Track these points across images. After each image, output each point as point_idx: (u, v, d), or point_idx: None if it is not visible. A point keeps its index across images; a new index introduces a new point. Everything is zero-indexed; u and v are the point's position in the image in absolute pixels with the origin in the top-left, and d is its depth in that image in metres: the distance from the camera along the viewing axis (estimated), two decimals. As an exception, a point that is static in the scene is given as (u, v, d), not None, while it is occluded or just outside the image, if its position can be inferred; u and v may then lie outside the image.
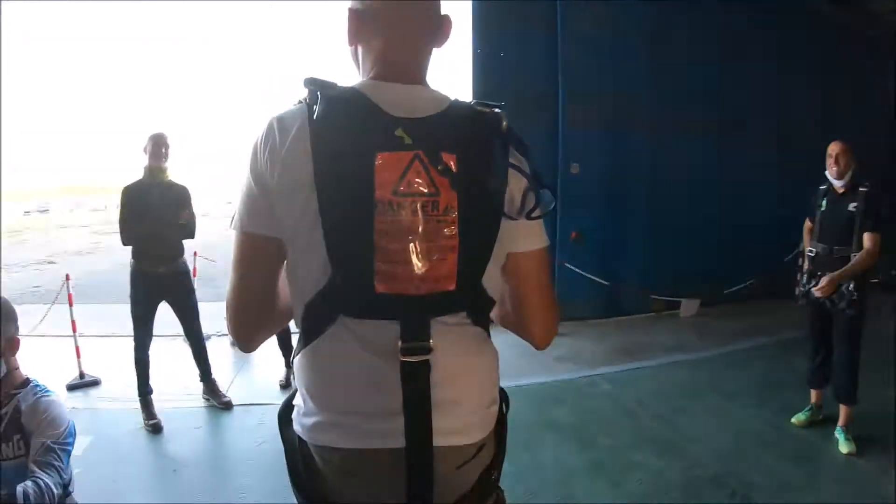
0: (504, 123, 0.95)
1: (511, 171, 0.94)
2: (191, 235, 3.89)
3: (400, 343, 0.89)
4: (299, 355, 0.96)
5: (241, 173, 0.93)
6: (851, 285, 3.31)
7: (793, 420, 3.80)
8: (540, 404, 4.09)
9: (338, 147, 0.85)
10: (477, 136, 0.92)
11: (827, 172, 3.48)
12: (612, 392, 4.37)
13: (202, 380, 4.15)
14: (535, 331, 1.08)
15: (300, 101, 0.91)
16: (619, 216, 6.40)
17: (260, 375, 4.74)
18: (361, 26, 0.97)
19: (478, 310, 0.98)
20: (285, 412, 1.03)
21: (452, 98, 0.97)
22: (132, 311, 3.79)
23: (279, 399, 4.12)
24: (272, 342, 5.19)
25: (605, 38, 6.08)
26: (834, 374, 3.56)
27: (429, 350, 0.90)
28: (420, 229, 0.87)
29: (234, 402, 4.09)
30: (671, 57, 6.39)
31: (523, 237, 0.99)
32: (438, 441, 0.91)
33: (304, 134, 0.86)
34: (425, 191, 0.87)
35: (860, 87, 8.20)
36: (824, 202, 3.53)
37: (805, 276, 3.65)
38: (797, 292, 3.71)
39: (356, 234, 0.86)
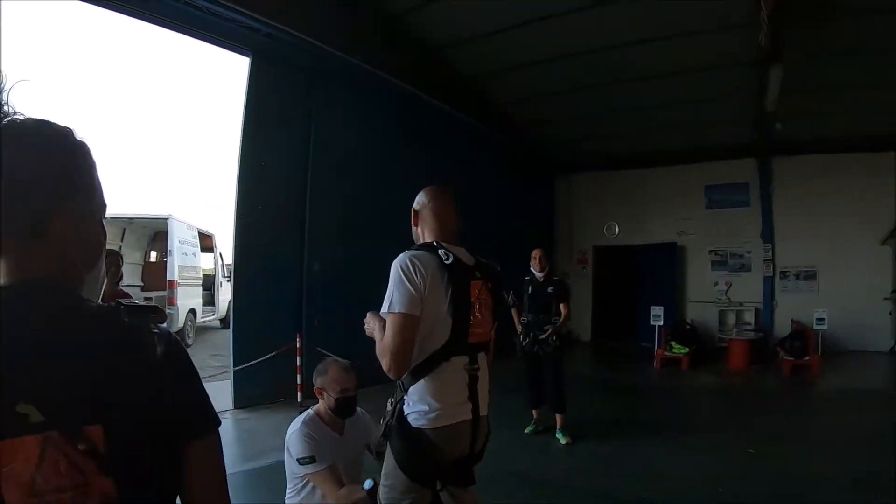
0: (499, 269, 2.14)
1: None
2: None
3: (467, 366, 1.96)
4: (421, 382, 1.89)
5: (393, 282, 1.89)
6: (555, 337, 5.32)
7: (525, 431, 5.52)
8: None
9: (458, 278, 1.92)
10: (496, 274, 2.12)
11: (532, 268, 5.55)
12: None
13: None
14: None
15: (422, 249, 1.98)
16: (352, 303, 7.28)
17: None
18: (421, 218, 2.12)
19: (489, 349, 2.11)
20: (401, 422, 1.92)
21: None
22: None
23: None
24: None
25: (345, 159, 7.44)
26: (547, 395, 5.43)
27: (478, 369, 2.00)
28: (483, 314, 2.00)
29: None
30: (391, 178, 7.93)
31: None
32: (480, 413, 2.00)
33: (439, 269, 1.90)
34: (485, 298, 2.01)
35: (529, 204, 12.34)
36: (530, 287, 5.57)
37: (521, 336, 5.55)
38: (518, 347, 5.57)
39: (465, 317, 1.93)
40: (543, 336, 5.36)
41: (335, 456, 2.33)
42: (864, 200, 11.03)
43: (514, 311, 5.71)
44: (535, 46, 8.20)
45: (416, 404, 1.91)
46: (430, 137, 9.16)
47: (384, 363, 1.84)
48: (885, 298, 10.68)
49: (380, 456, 2.00)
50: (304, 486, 2.36)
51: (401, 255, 1.93)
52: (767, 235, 11.57)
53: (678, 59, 8.40)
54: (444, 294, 1.89)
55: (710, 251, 12.12)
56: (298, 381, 6.50)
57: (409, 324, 1.83)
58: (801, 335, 9.21)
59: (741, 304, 11.62)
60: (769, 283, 11.58)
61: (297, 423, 2.41)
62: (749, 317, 11.47)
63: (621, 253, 13.07)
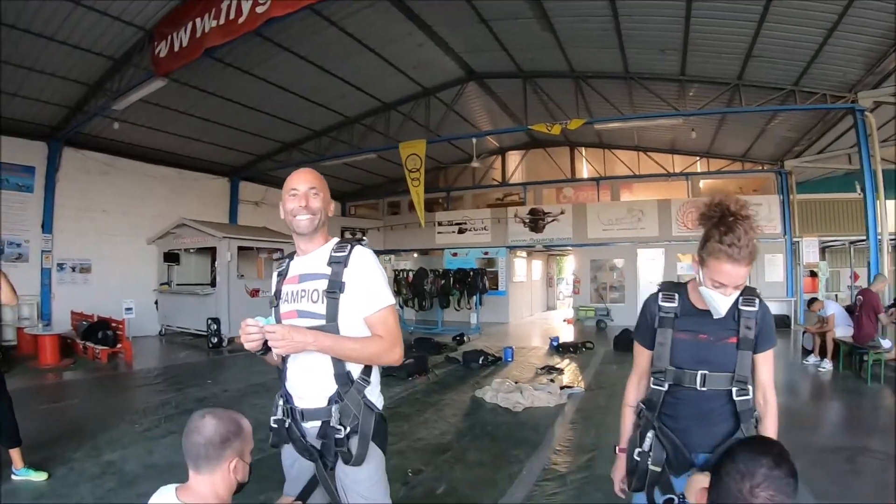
0: None
1: None
2: None
3: None
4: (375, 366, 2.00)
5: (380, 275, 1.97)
6: None
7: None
8: None
9: None
10: None
11: None
12: None
13: None
14: None
15: (362, 242, 2.01)
16: None
17: None
18: (329, 203, 2.05)
19: None
20: (374, 409, 1.95)
21: None
22: None
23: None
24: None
25: None
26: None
27: None
28: None
29: None
30: None
31: None
32: None
33: None
34: None
35: None
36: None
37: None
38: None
39: None
40: None
41: None
42: (134, 202, 12.61)
43: None
44: None
45: (374, 387, 1.99)
46: None
47: (396, 353, 1.92)
48: (154, 290, 12.56)
49: (357, 460, 1.89)
50: None
51: (369, 251, 1.99)
52: (48, 226, 11.13)
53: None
54: None
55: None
56: None
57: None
58: (107, 325, 9.71)
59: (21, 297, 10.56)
60: (48, 274, 11.14)
61: None
62: (29, 310, 10.63)
63: None
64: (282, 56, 10.05)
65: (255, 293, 12.33)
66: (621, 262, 16.78)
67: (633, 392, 2.17)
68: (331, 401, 1.91)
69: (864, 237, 10.82)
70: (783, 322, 14.35)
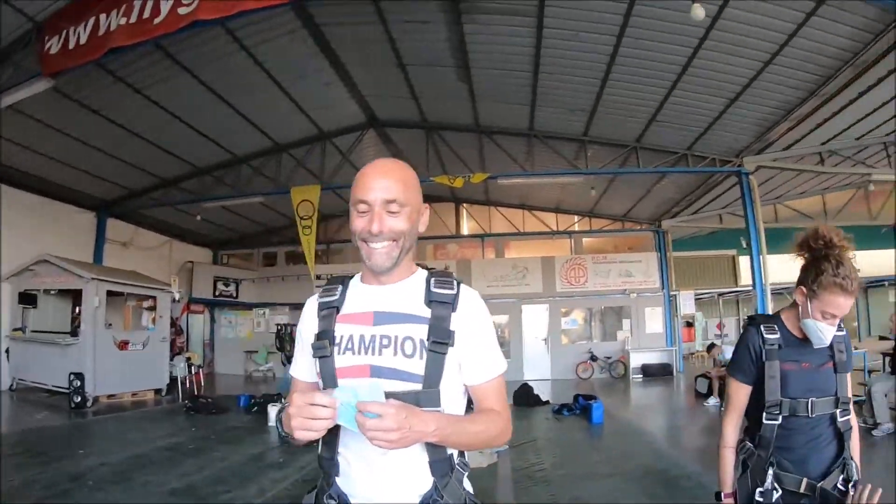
0: None
1: None
2: None
3: None
4: None
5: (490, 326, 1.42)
6: None
7: None
8: None
9: None
10: None
11: None
12: None
13: None
14: None
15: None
16: None
17: None
18: (422, 214, 1.45)
19: None
20: None
21: None
22: None
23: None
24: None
25: None
26: None
27: None
28: None
29: None
30: None
31: None
32: None
33: None
34: None
35: None
36: None
37: None
38: None
39: None
40: None
41: None
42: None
43: None
44: None
45: (468, 476, 1.40)
46: None
47: (509, 432, 1.41)
48: (6, 336, 10.59)
49: None
50: None
51: (477, 294, 1.47)
52: None
53: None
54: None
55: None
56: None
57: None
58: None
59: None
60: None
61: None
62: None
63: None
64: (181, 78, 9.16)
65: (124, 346, 10.90)
66: (506, 318, 16.98)
67: (733, 432, 2.15)
68: (426, 501, 1.30)
69: (731, 289, 11.92)
70: (665, 370, 15.21)
